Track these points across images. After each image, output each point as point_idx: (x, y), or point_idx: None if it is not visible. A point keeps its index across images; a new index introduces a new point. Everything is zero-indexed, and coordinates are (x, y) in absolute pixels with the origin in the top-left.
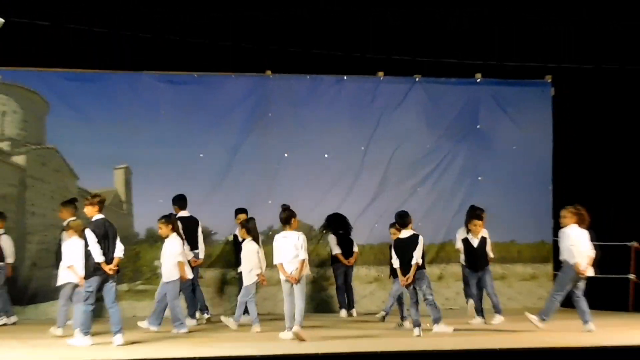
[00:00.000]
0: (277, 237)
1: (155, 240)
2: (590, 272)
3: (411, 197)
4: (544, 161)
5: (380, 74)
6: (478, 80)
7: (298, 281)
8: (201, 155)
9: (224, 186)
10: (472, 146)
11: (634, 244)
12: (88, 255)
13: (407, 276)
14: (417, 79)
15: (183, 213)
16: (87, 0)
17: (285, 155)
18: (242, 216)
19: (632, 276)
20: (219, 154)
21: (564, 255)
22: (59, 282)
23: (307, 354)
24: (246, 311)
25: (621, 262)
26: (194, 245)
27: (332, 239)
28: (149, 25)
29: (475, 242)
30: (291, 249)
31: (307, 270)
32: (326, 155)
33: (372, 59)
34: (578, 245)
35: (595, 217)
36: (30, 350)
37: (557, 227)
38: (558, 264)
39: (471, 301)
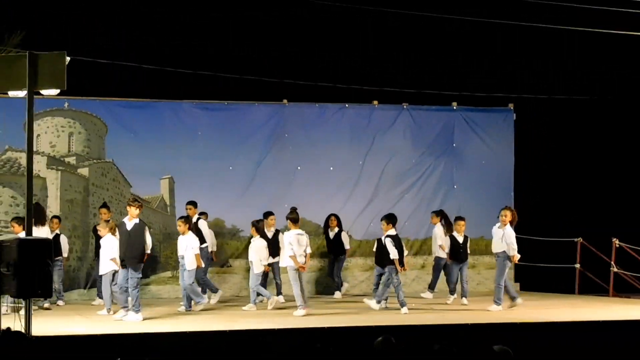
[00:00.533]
0: (291, 234)
1: None
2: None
3: (399, 201)
4: (507, 172)
5: (375, 102)
6: (454, 107)
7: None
8: (231, 167)
9: (249, 192)
10: (449, 161)
11: (580, 239)
12: (140, 248)
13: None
14: (404, 107)
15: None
16: (139, 42)
17: (298, 168)
18: (272, 217)
19: (577, 266)
20: (245, 167)
21: (502, 248)
22: (102, 272)
23: (316, 327)
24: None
25: (569, 255)
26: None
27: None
28: (188, 62)
29: (460, 239)
30: (303, 245)
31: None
32: (331, 168)
33: (369, 90)
34: (514, 241)
35: (551, 217)
36: (96, 324)
37: (518, 226)
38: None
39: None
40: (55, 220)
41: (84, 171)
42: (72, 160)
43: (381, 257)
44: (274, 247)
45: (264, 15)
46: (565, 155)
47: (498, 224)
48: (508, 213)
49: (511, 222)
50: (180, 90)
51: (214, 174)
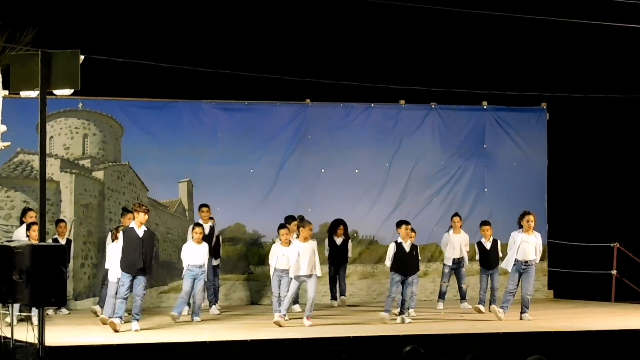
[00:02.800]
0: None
1: None
2: None
3: (427, 205)
4: (540, 175)
5: (402, 102)
6: (484, 107)
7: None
8: (251, 170)
9: (270, 197)
10: (479, 163)
11: (616, 244)
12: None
13: None
14: (432, 106)
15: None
16: (156, 40)
17: (322, 170)
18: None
19: (614, 272)
20: (267, 170)
21: (534, 256)
22: (113, 278)
23: (341, 336)
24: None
25: (605, 260)
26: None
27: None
28: (207, 60)
29: (487, 245)
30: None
31: None
32: (356, 171)
33: (395, 89)
34: None
35: (586, 221)
36: (113, 334)
37: (552, 231)
38: (552, 261)
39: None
40: (63, 225)
41: (99, 174)
42: (86, 163)
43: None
44: None
45: (285, 12)
46: (601, 157)
47: (520, 230)
48: (533, 217)
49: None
50: (199, 89)
51: (234, 177)
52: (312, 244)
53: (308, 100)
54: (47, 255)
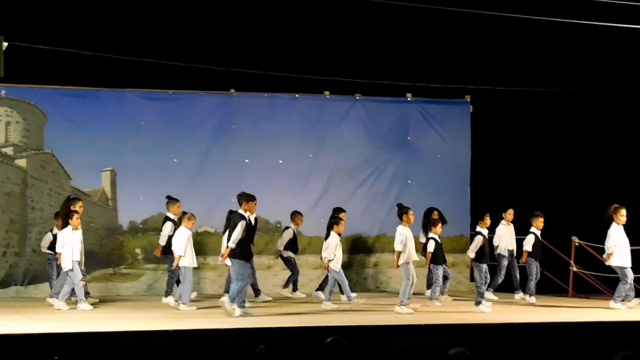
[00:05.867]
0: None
1: (136, 232)
2: None
3: (352, 197)
4: (464, 167)
5: (327, 93)
6: (409, 99)
7: None
8: (175, 160)
9: (195, 187)
10: (403, 155)
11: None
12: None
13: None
14: (357, 98)
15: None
16: (80, 28)
17: (247, 161)
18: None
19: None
20: (191, 160)
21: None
22: (69, 264)
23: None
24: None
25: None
26: None
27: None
28: (131, 49)
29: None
30: None
31: None
32: (280, 161)
33: (320, 80)
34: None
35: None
36: (35, 323)
37: (474, 223)
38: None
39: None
40: None
41: (21, 162)
42: (9, 151)
43: None
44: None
45: (209, 1)
46: (524, 150)
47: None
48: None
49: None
50: (123, 78)
51: (158, 167)
52: None
53: (233, 90)
54: None
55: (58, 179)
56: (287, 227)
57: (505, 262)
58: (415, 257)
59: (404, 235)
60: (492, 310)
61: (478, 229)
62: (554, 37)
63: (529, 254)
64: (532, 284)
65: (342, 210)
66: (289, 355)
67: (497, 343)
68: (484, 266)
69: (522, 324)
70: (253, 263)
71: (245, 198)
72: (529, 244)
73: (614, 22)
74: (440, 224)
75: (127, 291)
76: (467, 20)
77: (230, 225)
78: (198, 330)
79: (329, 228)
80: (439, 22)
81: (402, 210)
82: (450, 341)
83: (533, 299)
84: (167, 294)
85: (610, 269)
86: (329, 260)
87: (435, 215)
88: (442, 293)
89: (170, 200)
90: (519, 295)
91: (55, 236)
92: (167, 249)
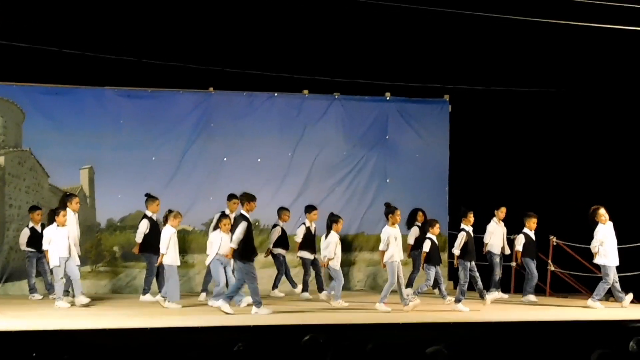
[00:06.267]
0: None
1: (114, 230)
2: None
3: (330, 195)
4: (442, 166)
5: (306, 91)
6: (387, 98)
7: None
8: (154, 158)
9: (172, 185)
10: (382, 153)
11: (516, 236)
12: None
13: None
14: (336, 96)
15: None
16: (59, 25)
17: (225, 159)
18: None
19: (513, 264)
20: (169, 157)
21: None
22: (56, 261)
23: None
24: None
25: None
26: None
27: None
28: (110, 47)
29: (533, 236)
30: None
31: None
32: (259, 160)
33: (299, 78)
34: None
35: (486, 212)
36: (12, 320)
37: (453, 222)
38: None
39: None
40: (39, 212)
41: None
42: None
43: None
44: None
45: None
46: (502, 150)
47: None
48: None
49: None
50: (102, 76)
51: (137, 165)
52: None
53: (211, 89)
54: None
55: (36, 177)
56: (275, 225)
57: (497, 259)
58: (401, 256)
59: (387, 235)
60: (470, 309)
61: (462, 225)
62: (533, 36)
63: (523, 254)
64: (532, 284)
65: (314, 208)
66: (266, 354)
67: (474, 341)
68: (469, 264)
69: (500, 323)
70: None
71: (247, 198)
72: (519, 243)
73: (593, 22)
74: (437, 225)
75: (104, 289)
76: (447, 20)
77: (232, 226)
78: (176, 328)
79: (329, 227)
80: (418, 21)
81: (388, 210)
82: (429, 339)
83: (533, 298)
84: (144, 291)
85: (588, 269)
86: (329, 259)
87: (420, 216)
88: (417, 293)
89: (150, 198)
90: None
91: (32, 230)
92: (145, 247)
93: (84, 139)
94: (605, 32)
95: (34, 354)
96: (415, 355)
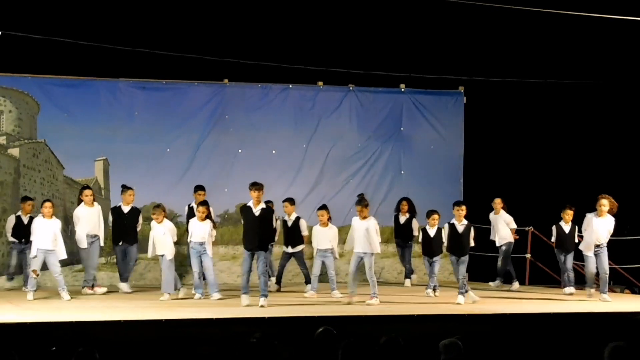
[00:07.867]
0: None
1: None
2: None
3: (344, 187)
4: (456, 159)
5: (320, 83)
6: (402, 89)
7: None
8: (168, 150)
9: (187, 177)
10: (396, 145)
11: (530, 228)
12: None
13: None
14: (350, 88)
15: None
16: (74, 17)
17: (239, 151)
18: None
19: (528, 256)
20: (184, 150)
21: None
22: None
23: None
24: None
25: (521, 244)
26: None
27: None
28: (125, 39)
29: (567, 228)
30: None
31: None
32: (273, 152)
33: (313, 70)
34: None
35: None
36: (26, 312)
37: (467, 214)
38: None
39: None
40: (31, 202)
41: (14, 152)
42: (2, 140)
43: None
44: (295, 235)
45: None
46: (517, 141)
47: (594, 213)
48: (606, 202)
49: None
50: (116, 68)
51: (151, 157)
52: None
53: (226, 81)
54: None
55: (50, 168)
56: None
57: (504, 248)
58: (349, 247)
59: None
60: (484, 301)
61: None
62: (549, 28)
63: (556, 245)
64: (564, 277)
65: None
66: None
67: (486, 334)
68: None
69: (513, 315)
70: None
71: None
72: (552, 235)
73: (610, 13)
74: (434, 216)
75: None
76: (462, 11)
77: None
78: (190, 320)
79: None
80: (433, 13)
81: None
82: (442, 332)
83: (572, 289)
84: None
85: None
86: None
87: (404, 204)
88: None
89: (124, 188)
90: (494, 283)
91: (17, 218)
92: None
93: (99, 131)
94: (625, 23)
95: (54, 348)
96: (429, 348)
